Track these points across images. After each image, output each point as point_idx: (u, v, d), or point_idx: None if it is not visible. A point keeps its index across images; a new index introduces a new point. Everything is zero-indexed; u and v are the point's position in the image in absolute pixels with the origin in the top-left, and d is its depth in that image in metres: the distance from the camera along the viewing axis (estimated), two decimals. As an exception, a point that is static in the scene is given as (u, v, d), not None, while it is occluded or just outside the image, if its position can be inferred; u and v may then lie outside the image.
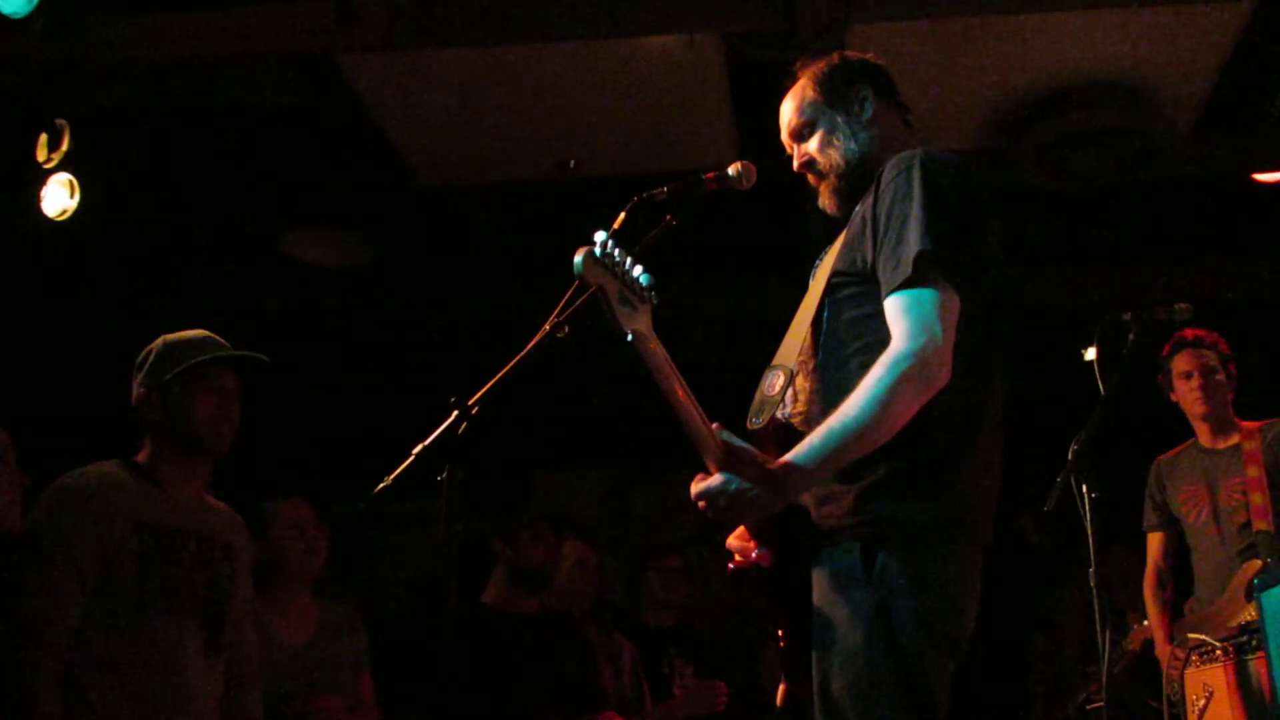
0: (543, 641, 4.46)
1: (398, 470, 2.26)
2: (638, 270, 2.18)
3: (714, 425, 2.18)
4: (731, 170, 2.67)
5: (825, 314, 2.50)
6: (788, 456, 2.22)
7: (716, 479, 2.20)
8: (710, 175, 2.66)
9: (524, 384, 2.41)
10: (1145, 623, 4.81)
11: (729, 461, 2.18)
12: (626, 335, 2.13)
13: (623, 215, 2.53)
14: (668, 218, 2.61)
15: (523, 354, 2.35)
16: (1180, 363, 4.73)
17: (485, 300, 6.49)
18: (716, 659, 5.30)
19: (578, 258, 2.08)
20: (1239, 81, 5.00)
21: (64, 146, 4.69)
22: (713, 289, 6.39)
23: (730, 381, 2.66)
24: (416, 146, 5.53)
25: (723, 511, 2.21)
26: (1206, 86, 5.06)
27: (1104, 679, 3.57)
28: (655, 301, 2.20)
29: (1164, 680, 4.38)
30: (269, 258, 6.17)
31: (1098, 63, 4.93)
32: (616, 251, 2.14)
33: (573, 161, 5.59)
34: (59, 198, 4.73)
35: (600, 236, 2.13)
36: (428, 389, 2.48)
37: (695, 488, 2.22)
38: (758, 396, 2.48)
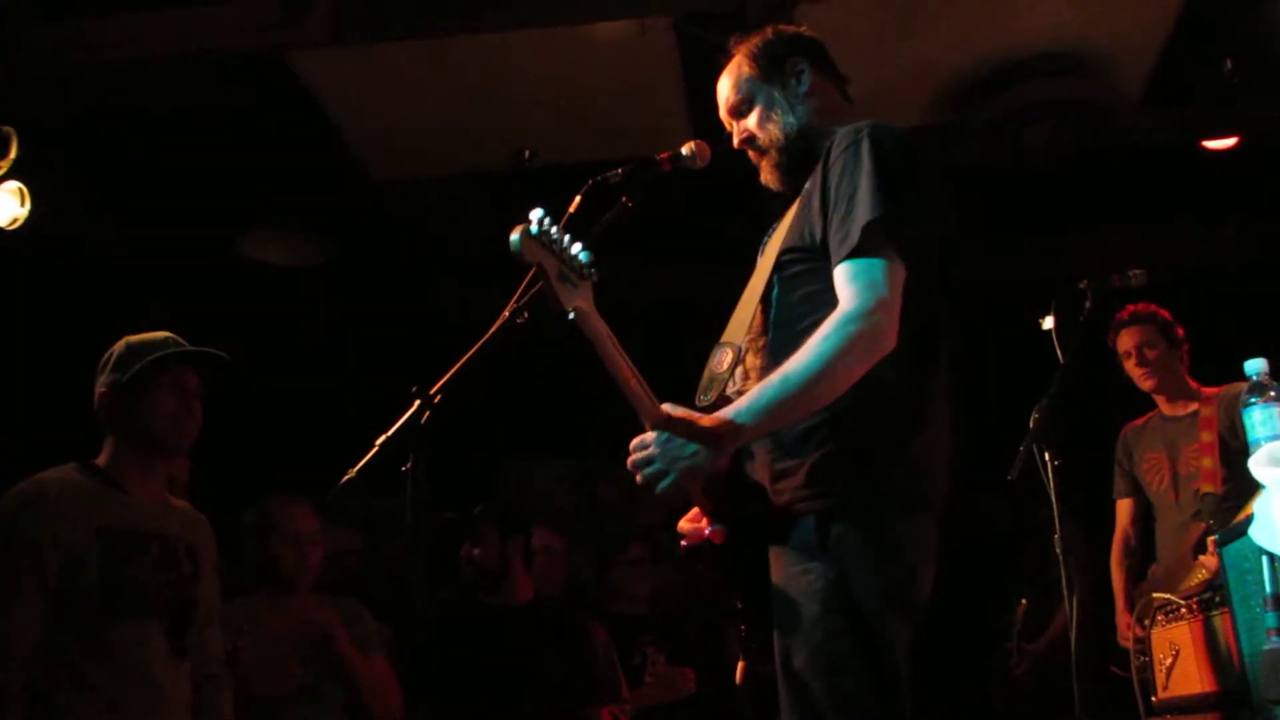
0: (529, 632, 4.37)
1: (362, 461, 2.25)
2: (577, 247, 2.19)
3: (665, 406, 2.16)
4: (685, 150, 2.66)
5: (775, 291, 2.50)
6: (724, 411, 2.21)
7: (650, 434, 2.19)
8: (664, 156, 2.66)
9: (488, 372, 2.40)
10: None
11: (667, 424, 2.18)
12: (568, 313, 2.14)
13: (578, 199, 2.52)
14: (624, 199, 2.61)
15: (483, 340, 2.34)
16: (1119, 343, 4.79)
17: (445, 294, 6.47)
18: (687, 644, 5.25)
19: (514, 235, 2.09)
20: (1186, 50, 5.04)
21: (12, 154, 4.64)
22: (662, 270, 6.38)
23: (681, 362, 2.66)
24: (369, 142, 5.50)
25: (660, 467, 2.18)
26: (1154, 56, 5.11)
27: (1073, 643, 3.59)
28: (596, 278, 2.21)
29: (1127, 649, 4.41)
30: (225, 259, 6.12)
31: (1046, 35, 4.96)
32: (554, 229, 2.15)
33: (528, 152, 5.57)
34: (9, 206, 4.68)
35: (536, 214, 2.12)
36: (390, 385, 2.46)
37: (632, 444, 2.20)
38: (706, 373, 2.47)
